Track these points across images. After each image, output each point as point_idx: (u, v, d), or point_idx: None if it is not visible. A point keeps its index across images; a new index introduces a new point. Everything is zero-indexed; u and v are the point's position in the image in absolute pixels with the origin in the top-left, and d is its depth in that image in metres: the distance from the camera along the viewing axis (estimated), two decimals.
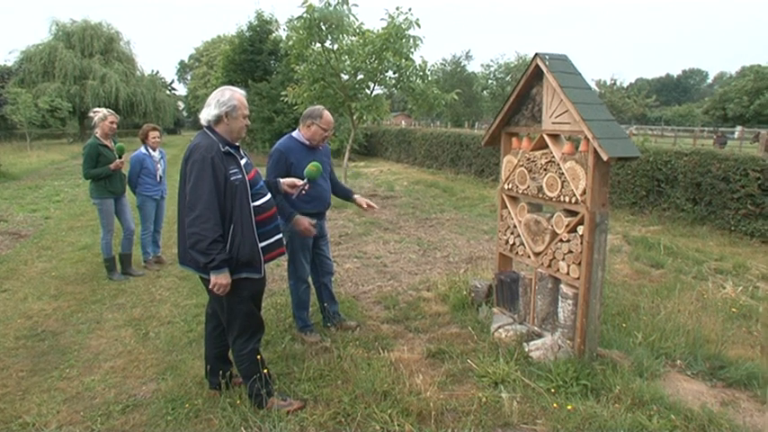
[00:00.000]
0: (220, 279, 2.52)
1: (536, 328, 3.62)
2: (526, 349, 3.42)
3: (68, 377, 3.30)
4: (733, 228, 7.66)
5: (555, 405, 2.81)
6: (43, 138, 29.86)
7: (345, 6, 8.82)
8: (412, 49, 9.32)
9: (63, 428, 2.75)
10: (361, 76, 9.91)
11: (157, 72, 50.28)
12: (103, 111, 5.19)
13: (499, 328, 3.76)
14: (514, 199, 3.87)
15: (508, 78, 36.19)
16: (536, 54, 3.30)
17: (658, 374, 3.17)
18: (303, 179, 3.19)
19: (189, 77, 64.08)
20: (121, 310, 4.48)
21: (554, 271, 3.41)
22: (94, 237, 6.89)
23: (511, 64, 36.50)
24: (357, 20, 9.30)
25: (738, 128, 33.93)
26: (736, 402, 2.97)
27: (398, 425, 2.63)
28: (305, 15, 8.69)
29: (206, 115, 2.63)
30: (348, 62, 9.66)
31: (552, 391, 2.95)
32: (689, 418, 2.69)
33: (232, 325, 2.74)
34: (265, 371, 2.81)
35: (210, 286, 2.55)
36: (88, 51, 30.54)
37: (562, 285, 3.36)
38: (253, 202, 2.64)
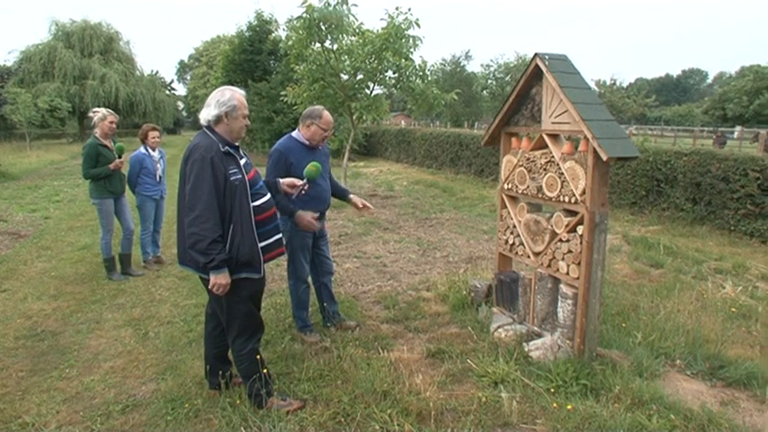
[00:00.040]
0: (220, 279, 2.52)
1: (536, 328, 3.62)
2: (526, 349, 3.42)
3: (68, 377, 3.30)
4: (732, 228, 7.66)
5: (554, 405, 2.81)
6: (43, 138, 29.83)
7: (345, 6, 8.81)
8: (411, 49, 9.32)
9: (63, 428, 2.75)
10: (360, 76, 9.91)
11: (157, 72, 50.30)
12: (103, 111, 5.19)
13: (499, 327, 3.76)
14: (514, 199, 3.87)
15: (508, 78, 36.18)
16: (535, 54, 3.30)
17: (658, 374, 3.17)
18: (303, 179, 3.20)
19: (188, 77, 64.09)
20: (121, 310, 4.48)
21: (554, 271, 3.41)
22: (94, 237, 6.88)
23: (510, 64, 36.48)
24: (357, 20, 9.30)
25: (738, 128, 33.97)
26: (736, 402, 2.97)
27: (398, 425, 2.63)
28: (304, 15, 8.69)
29: (206, 115, 2.63)
30: (348, 62, 9.66)
31: (552, 390, 2.95)
32: (688, 418, 2.69)
33: (231, 325, 2.74)
34: (265, 371, 2.81)
35: (210, 286, 2.55)
36: (88, 51, 30.51)
37: (562, 285, 3.36)
38: (252, 202, 2.64)
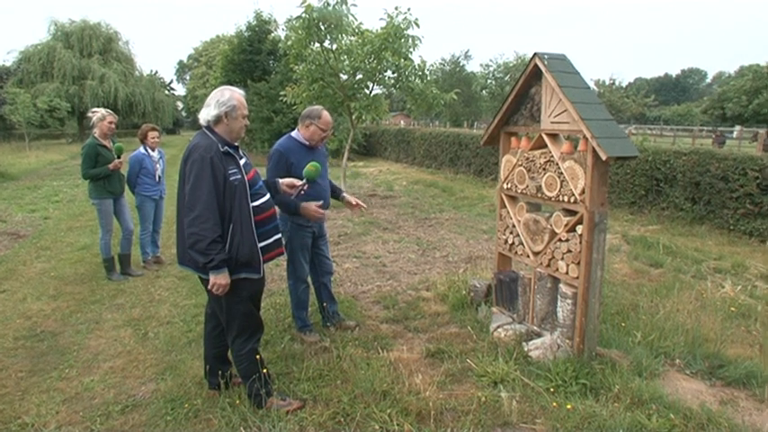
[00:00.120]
0: (219, 279, 2.52)
1: (535, 328, 3.62)
2: (525, 349, 3.42)
3: (67, 377, 3.30)
4: (732, 227, 7.67)
5: (554, 404, 2.81)
6: (42, 138, 29.81)
7: (344, 6, 8.81)
8: (411, 49, 9.31)
9: (62, 429, 2.75)
10: (359, 76, 9.90)
11: (156, 72, 50.34)
12: (102, 111, 5.18)
13: (498, 327, 3.76)
14: (513, 198, 3.87)
15: (507, 78, 36.15)
16: (535, 54, 3.31)
17: (657, 373, 3.17)
18: (302, 179, 3.19)
19: (188, 77, 63.98)
20: (120, 310, 4.48)
21: (553, 270, 3.41)
22: (93, 237, 6.88)
23: (510, 64, 36.46)
24: (356, 20, 9.30)
25: (737, 127, 33.98)
26: (735, 401, 2.97)
27: (398, 424, 2.64)
28: (304, 15, 8.68)
29: (205, 115, 2.63)
30: (347, 62, 9.65)
31: (551, 390, 2.95)
32: (688, 417, 2.69)
33: (231, 325, 2.74)
34: (264, 371, 2.81)
35: (209, 286, 2.55)
36: (87, 51, 30.47)
37: (561, 285, 3.37)
38: (252, 202, 2.64)
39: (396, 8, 8.98)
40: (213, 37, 54.55)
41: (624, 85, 52.02)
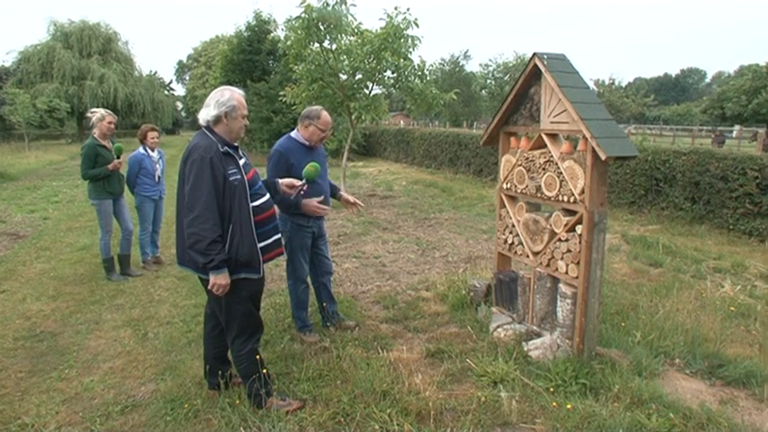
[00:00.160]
0: (219, 279, 2.52)
1: (535, 328, 3.62)
2: (525, 348, 3.42)
3: (67, 378, 3.30)
4: (731, 227, 7.67)
5: (554, 404, 2.81)
6: (41, 138, 29.79)
7: (344, 6, 8.81)
8: (410, 49, 9.31)
9: (62, 429, 2.75)
10: (359, 76, 9.90)
11: (156, 72, 50.28)
12: (101, 111, 5.18)
13: (498, 327, 3.76)
14: (513, 198, 3.87)
15: (507, 78, 36.16)
16: (534, 53, 3.31)
17: (657, 373, 3.17)
18: (302, 180, 3.19)
19: (187, 78, 63.93)
20: (120, 310, 4.48)
21: (553, 270, 3.41)
22: (93, 237, 6.87)
23: (509, 63, 36.48)
24: (355, 20, 9.29)
25: (736, 127, 34.00)
26: (735, 401, 2.98)
27: (397, 424, 2.64)
28: (303, 15, 8.68)
29: (205, 115, 2.63)
30: (346, 62, 9.65)
31: (551, 390, 2.95)
32: (687, 417, 2.69)
33: (231, 325, 2.74)
34: (264, 371, 2.81)
35: (209, 286, 2.55)
36: (86, 52, 30.44)
37: (561, 284, 3.37)
38: (251, 202, 2.64)
39: (395, 8, 8.98)
40: (213, 37, 54.53)
41: (624, 84, 52.06)
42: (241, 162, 2.67)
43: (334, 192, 3.87)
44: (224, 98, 2.62)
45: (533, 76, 3.44)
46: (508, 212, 3.88)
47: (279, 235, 2.85)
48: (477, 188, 12.58)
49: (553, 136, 3.39)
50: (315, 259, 3.88)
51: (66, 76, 28.67)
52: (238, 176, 2.58)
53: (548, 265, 3.45)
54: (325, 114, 3.59)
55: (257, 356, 2.80)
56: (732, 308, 4.39)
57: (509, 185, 3.83)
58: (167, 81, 61.84)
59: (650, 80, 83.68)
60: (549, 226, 3.43)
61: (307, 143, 3.60)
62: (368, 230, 7.66)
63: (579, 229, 3.15)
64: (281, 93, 10.61)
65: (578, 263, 3.15)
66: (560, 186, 3.26)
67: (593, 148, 2.94)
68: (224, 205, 2.54)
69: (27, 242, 6.97)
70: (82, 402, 3.01)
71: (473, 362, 3.28)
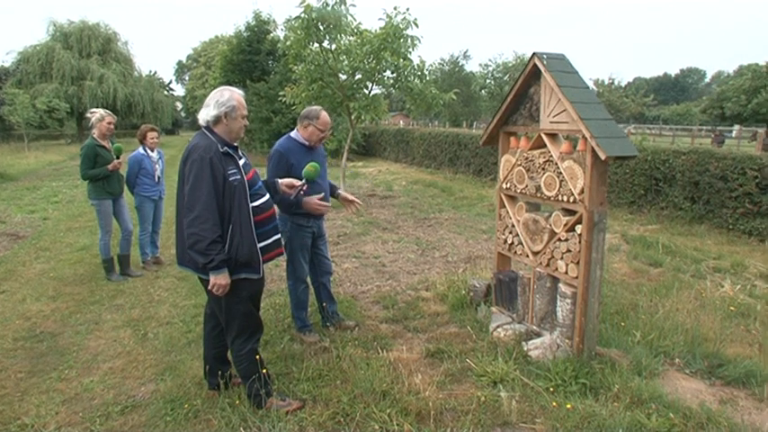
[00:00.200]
0: (219, 279, 2.52)
1: (535, 328, 3.62)
2: (525, 348, 3.42)
3: (67, 378, 3.30)
4: (731, 226, 7.67)
5: (554, 404, 2.81)
6: (41, 139, 29.77)
7: (343, 6, 8.80)
8: (410, 49, 9.30)
9: (62, 430, 2.75)
10: (359, 76, 9.89)
11: (155, 72, 50.25)
12: (101, 111, 5.18)
13: (498, 327, 3.77)
14: (513, 198, 3.87)
15: (506, 78, 36.14)
16: (534, 53, 3.31)
17: (657, 373, 3.18)
18: (302, 180, 3.20)
19: (187, 78, 63.88)
20: (120, 310, 4.48)
21: (552, 270, 3.42)
22: (93, 238, 6.87)
23: (509, 63, 36.47)
24: (355, 20, 9.28)
25: (736, 126, 34.00)
26: (735, 400, 2.98)
27: (397, 424, 2.64)
28: (303, 15, 8.68)
29: (205, 116, 2.63)
30: (346, 62, 9.64)
31: (551, 389, 2.95)
32: (687, 417, 2.69)
33: (231, 325, 2.74)
34: (264, 371, 2.81)
35: (209, 287, 2.55)
36: (86, 52, 30.42)
37: (560, 284, 3.37)
38: (251, 202, 2.64)
39: (395, 8, 8.97)
40: (212, 37, 54.50)
41: (623, 84, 52.09)
42: (241, 162, 2.67)
43: (334, 191, 3.87)
44: (224, 98, 2.62)
45: (533, 75, 3.44)
46: (508, 212, 3.88)
47: (279, 235, 2.85)
48: (477, 188, 12.58)
49: (553, 136, 3.39)
50: (314, 259, 3.88)
51: (65, 77, 28.65)
52: (238, 176, 2.58)
53: (547, 264, 3.45)
54: (324, 114, 3.59)
55: (257, 356, 2.80)
56: (732, 307, 4.39)
57: (509, 185, 3.83)
58: (167, 81, 61.88)
59: (650, 80, 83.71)
60: (548, 226, 3.43)
61: (306, 143, 3.60)
62: (367, 230, 7.66)
63: (579, 228, 3.15)
64: (281, 93, 10.61)
65: (578, 263, 3.16)
66: (560, 186, 3.26)
67: (592, 147, 2.94)
68: (224, 205, 2.54)
69: (27, 242, 6.97)
70: (82, 403, 3.01)
71: (473, 362, 3.28)
